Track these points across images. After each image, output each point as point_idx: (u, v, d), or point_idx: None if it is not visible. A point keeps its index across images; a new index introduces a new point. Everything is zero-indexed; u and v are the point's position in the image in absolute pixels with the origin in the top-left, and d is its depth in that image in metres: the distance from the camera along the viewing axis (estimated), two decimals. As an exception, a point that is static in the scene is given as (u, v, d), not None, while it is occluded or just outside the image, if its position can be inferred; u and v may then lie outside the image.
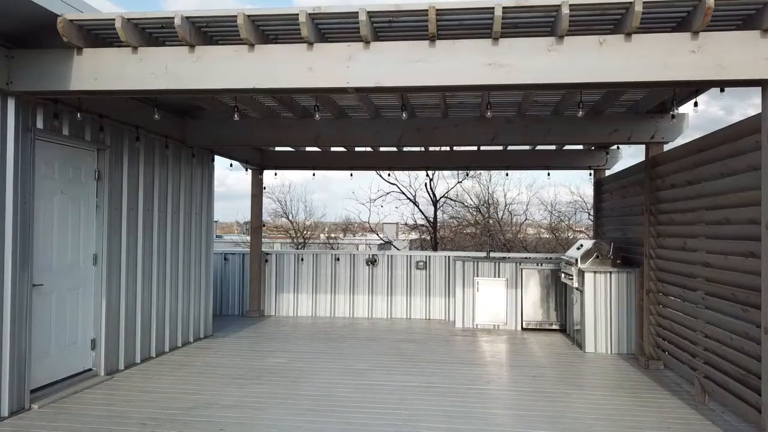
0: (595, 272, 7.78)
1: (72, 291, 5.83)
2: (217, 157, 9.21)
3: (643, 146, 7.19)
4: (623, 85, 4.41)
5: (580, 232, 23.37)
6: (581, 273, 7.88)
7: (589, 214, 23.30)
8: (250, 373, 6.45)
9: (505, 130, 7.23)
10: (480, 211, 23.07)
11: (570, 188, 37.63)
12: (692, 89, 5.96)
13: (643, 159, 7.28)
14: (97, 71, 4.64)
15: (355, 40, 4.43)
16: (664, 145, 7.06)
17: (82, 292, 5.98)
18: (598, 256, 7.94)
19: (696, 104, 5.84)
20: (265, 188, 10.87)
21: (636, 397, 5.69)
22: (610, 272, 7.76)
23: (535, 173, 25.45)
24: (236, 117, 5.28)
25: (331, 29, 4.54)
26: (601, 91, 6.20)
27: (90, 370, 6.09)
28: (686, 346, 5.94)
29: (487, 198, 22.84)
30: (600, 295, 7.75)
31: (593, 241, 8.19)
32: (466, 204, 22.65)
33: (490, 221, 22.85)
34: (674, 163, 6.40)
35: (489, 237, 13.69)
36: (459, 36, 4.41)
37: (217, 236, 37.41)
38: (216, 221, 39.44)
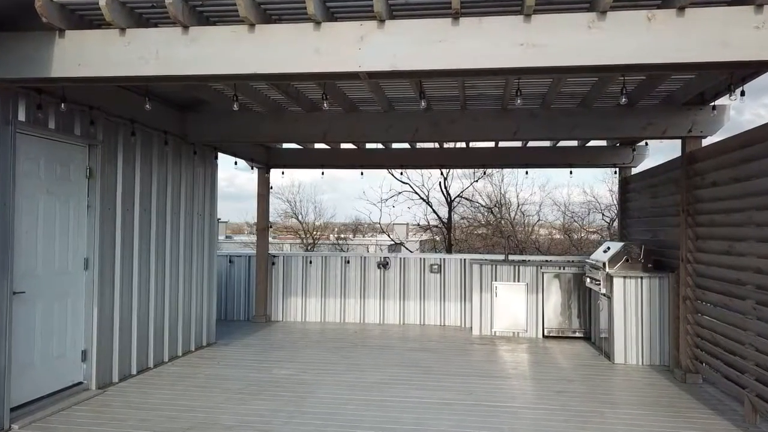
0: (624, 277, 7.22)
1: (60, 298, 5.37)
2: (225, 156, 8.80)
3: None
4: (674, 67, 3.88)
5: (594, 232, 22.83)
6: (609, 278, 7.33)
7: (602, 214, 22.79)
8: (253, 387, 5.96)
9: (528, 124, 6.70)
10: (492, 212, 22.55)
11: (583, 188, 36.94)
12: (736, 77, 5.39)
13: (678, 155, 6.73)
14: (81, 56, 4.17)
15: (367, 18, 3.93)
16: (702, 140, 6.49)
17: (71, 300, 5.52)
18: (627, 260, 7.38)
19: (743, 93, 5.28)
20: (271, 188, 10.39)
21: (678, 416, 5.14)
22: (641, 277, 7.20)
23: (547, 173, 24.96)
24: (235, 107, 4.80)
25: (340, 6, 4.04)
26: (641, 75, 5.59)
27: (80, 383, 5.63)
28: (732, 360, 5.39)
29: (499, 198, 22.32)
30: (630, 302, 7.20)
31: (622, 243, 7.63)
32: (477, 204, 22.12)
33: (502, 222, 22.32)
34: (716, 159, 5.84)
35: (506, 239, 13.11)
36: (486, 12, 3.89)
37: (226, 237, 37.07)
38: (226, 222, 39.13)
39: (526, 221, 23.12)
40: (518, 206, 22.52)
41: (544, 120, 6.68)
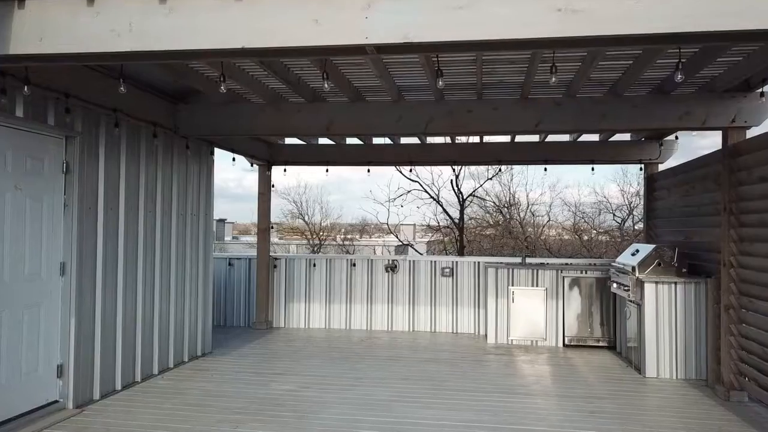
0: (656, 282, 6.59)
1: (31, 308, 4.80)
2: (236, 157, 8.34)
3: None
4: (748, 37, 3.24)
5: (603, 233, 22.17)
6: (640, 283, 6.69)
7: (614, 215, 22.13)
8: (250, 406, 5.37)
9: (552, 114, 6.07)
10: (501, 212, 21.94)
11: (594, 188, 36.13)
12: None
13: (719, 148, 6.10)
14: (44, 29, 3.59)
15: (376, -20, 3.33)
16: (747, 131, 5.86)
17: (45, 309, 4.94)
18: (659, 264, 6.74)
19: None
20: (273, 186, 9.82)
21: (729, 443, 4.51)
22: (675, 283, 6.56)
23: (557, 172, 24.33)
24: (222, 89, 4.21)
25: (344, -32, 3.44)
26: (693, 47, 4.88)
27: (56, 402, 5.05)
28: (789, 378, 4.76)
29: (508, 198, 21.69)
30: (663, 310, 6.56)
31: (653, 246, 6.99)
32: (490, 203, 21.49)
33: (511, 222, 21.70)
34: (766, 151, 5.21)
35: (522, 240, 12.49)
36: (517, -28, 3.28)
37: (233, 237, 36.63)
38: (232, 223, 38.62)
39: (535, 222, 22.49)
40: (528, 206, 21.90)
41: (569, 109, 6.06)
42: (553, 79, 3.80)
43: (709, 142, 30.16)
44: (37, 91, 4.59)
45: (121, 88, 4.38)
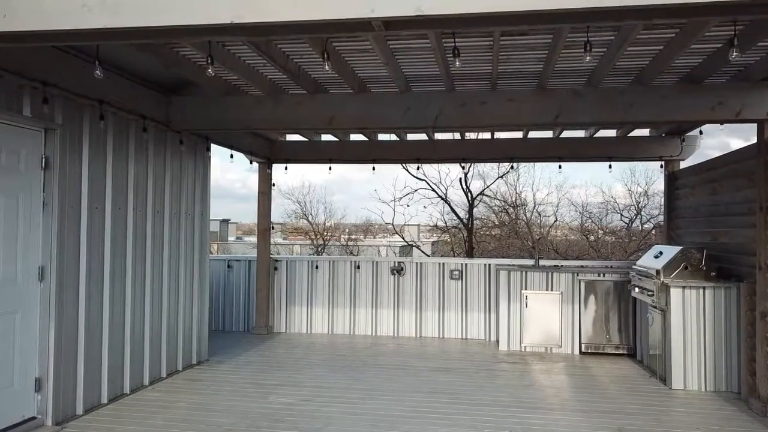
0: (684, 287, 6.13)
1: (5, 316, 4.37)
2: (238, 155, 8.03)
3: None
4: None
5: (611, 233, 21.74)
6: (665, 288, 6.24)
7: (621, 215, 21.66)
8: (245, 422, 4.94)
9: (573, 106, 5.62)
10: (507, 212, 21.50)
11: (601, 188, 35.57)
12: None
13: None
14: (7, 5, 3.17)
15: (384, -56, 2.89)
16: (785, 123, 5.39)
17: (21, 317, 4.52)
18: (686, 267, 6.29)
19: None
20: (274, 185, 9.39)
21: (776, 468, 4.06)
22: (704, 287, 6.11)
23: (564, 172, 23.87)
24: (210, 72, 3.78)
25: (347, -69, 3.00)
26: (744, 21, 4.35)
27: (34, 418, 4.62)
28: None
29: (514, 198, 21.25)
30: (690, 317, 6.10)
31: (679, 248, 6.53)
32: (500, 201, 21.03)
33: (518, 222, 21.25)
34: (811, 144, 4.76)
35: (531, 241, 12.06)
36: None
37: (237, 237, 36.26)
38: (236, 223, 38.24)
39: (542, 222, 22.06)
40: (534, 206, 21.48)
41: (592, 100, 5.60)
42: (588, 57, 3.35)
43: (716, 141, 29.67)
44: (11, 77, 4.18)
45: (97, 72, 3.94)
